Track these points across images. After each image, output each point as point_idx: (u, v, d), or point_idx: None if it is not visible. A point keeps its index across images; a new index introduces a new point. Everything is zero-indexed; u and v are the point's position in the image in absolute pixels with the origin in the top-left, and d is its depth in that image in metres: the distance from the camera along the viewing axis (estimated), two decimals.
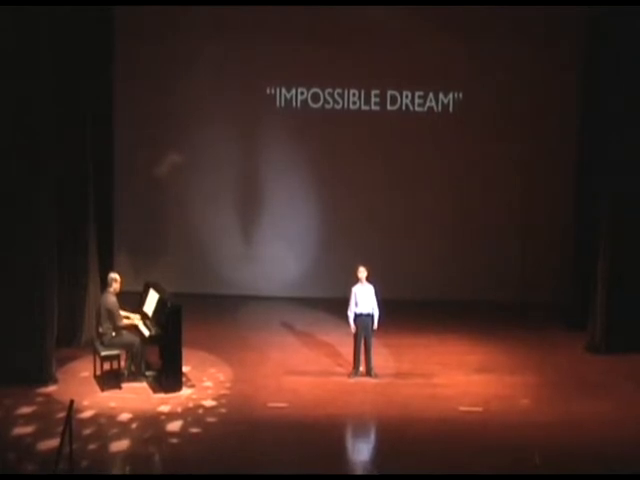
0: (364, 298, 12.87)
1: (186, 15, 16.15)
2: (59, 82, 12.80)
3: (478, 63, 16.47)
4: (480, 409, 11.85)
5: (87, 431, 10.82)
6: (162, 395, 12.02)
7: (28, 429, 10.86)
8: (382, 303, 13.03)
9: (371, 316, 12.90)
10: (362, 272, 12.94)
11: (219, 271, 16.92)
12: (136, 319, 12.65)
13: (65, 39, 13.11)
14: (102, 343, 12.36)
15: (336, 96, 16.79)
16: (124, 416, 11.32)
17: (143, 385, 12.34)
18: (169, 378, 12.18)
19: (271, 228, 17.12)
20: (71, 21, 13.31)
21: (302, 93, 16.80)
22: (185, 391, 12.23)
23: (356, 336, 12.91)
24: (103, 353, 12.30)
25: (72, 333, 13.73)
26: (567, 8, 15.38)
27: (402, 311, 15.35)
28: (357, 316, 12.89)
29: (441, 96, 16.78)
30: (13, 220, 12.12)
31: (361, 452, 11.29)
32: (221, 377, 12.88)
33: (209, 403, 11.90)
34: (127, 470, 10.12)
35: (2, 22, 11.85)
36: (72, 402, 9.64)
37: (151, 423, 11.18)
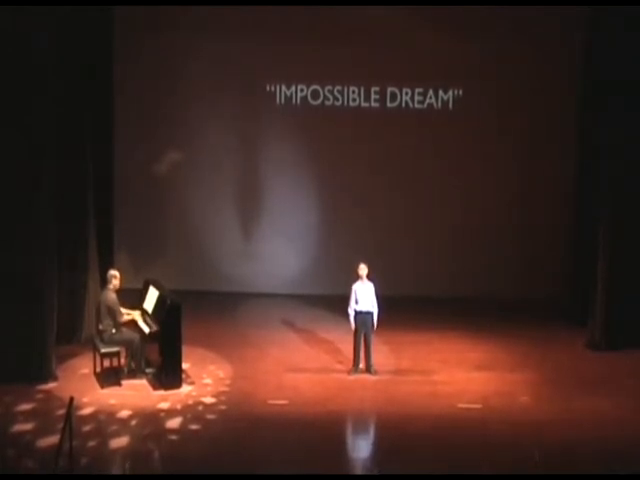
0: (364, 296, 12.87)
1: (186, 14, 16.17)
2: (59, 82, 12.78)
3: (478, 60, 16.49)
4: (480, 406, 11.85)
5: (87, 428, 10.83)
6: (162, 392, 12.02)
7: (28, 426, 10.86)
8: (382, 300, 13.03)
9: (371, 314, 12.90)
10: (363, 269, 12.95)
11: (219, 268, 16.94)
12: (136, 315, 12.68)
13: (65, 39, 13.08)
14: (102, 340, 12.37)
15: (336, 93, 16.82)
16: (124, 413, 11.33)
17: (143, 382, 12.34)
18: (169, 375, 12.18)
19: (271, 225, 17.14)
20: (71, 21, 13.29)
21: (302, 90, 16.82)
22: (185, 388, 12.23)
23: (356, 333, 12.92)
24: (103, 350, 12.31)
25: (72, 330, 13.75)
26: (567, 8, 15.38)
27: (402, 308, 15.37)
28: (357, 313, 12.89)
29: (441, 93, 16.80)
30: (13, 220, 12.13)
31: (361, 449, 11.29)
32: (221, 374, 12.89)
33: (209, 400, 11.91)
34: (127, 467, 10.12)
35: (2, 22, 11.85)
36: (72, 399, 9.65)
37: (151, 420, 11.18)
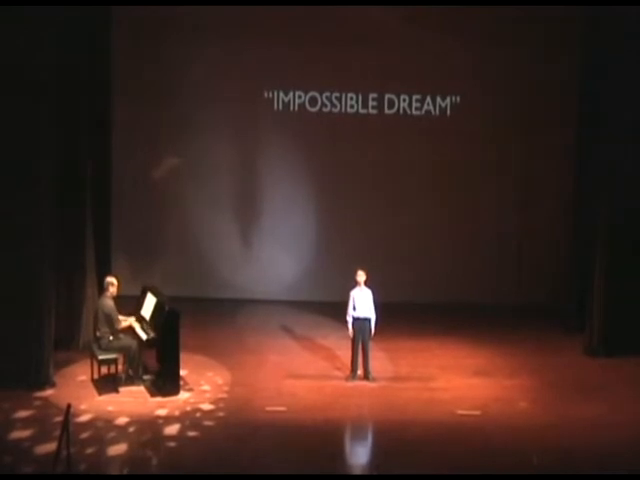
0: (362, 302, 12.85)
1: (185, 18, 16.17)
2: (58, 83, 12.74)
3: (476, 66, 16.47)
4: (478, 412, 11.85)
5: (84, 435, 10.80)
6: (160, 399, 11.99)
7: (26, 433, 10.83)
8: (380, 306, 13.02)
9: (369, 320, 12.88)
10: (361, 276, 12.93)
11: (217, 275, 16.90)
12: (132, 321, 12.65)
13: (64, 39, 13.05)
14: (100, 347, 12.35)
15: (334, 100, 16.80)
16: (121, 420, 11.30)
17: (140, 389, 12.32)
18: (167, 382, 12.16)
19: (269, 232, 17.11)
20: (71, 21, 13.27)
21: (300, 97, 16.81)
22: (183, 395, 12.20)
23: (354, 340, 12.90)
24: (100, 357, 12.28)
25: (70, 337, 13.70)
26: (567, 8, 15.37)
27: (400, 314, 15.35)
28: (355, 320, 12.88)
29: (439, 100, 16.80)
30: (11, 223, 12.11)
31: (359, 456, 11.29)
32: (219, 381, 12.87)
33: (207, 407, 11.88)
34: (124, 474, 10.09)
35: (1, 22, 11.85)
36: (69, 406, 9.66)
37: (148, 427, 11.16)
